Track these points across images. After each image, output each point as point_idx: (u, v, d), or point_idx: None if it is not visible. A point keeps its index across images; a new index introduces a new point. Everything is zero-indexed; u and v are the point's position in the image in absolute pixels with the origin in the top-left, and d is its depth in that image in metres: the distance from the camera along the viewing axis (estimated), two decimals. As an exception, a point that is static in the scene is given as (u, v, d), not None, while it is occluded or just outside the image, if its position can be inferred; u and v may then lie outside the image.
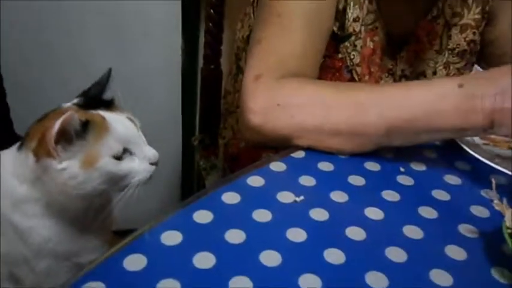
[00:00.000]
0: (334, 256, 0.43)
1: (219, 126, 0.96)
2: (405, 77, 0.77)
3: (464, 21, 0.73)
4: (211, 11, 1.04)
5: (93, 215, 0.50)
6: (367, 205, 0.50)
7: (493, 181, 0.49)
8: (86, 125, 0.44)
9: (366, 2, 0.68)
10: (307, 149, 0.58)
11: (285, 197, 0.50)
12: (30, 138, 0.47)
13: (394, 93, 0.55)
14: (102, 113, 0.47)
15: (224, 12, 1.03)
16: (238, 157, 0.84)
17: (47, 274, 0.49)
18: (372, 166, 0.56)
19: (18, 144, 0.49)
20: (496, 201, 0.49)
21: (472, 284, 0.42)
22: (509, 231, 0.43)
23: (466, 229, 0.48)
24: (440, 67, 0.76)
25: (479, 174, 0.56)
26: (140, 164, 0.47)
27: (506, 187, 0.54)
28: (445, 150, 0.60)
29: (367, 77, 0.72)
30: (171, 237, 0.43)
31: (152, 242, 0.43)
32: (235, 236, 0.44)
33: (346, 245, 0.45)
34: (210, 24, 1.06)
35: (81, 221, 0.49)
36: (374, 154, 0.57)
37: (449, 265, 0.43)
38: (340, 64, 0.70)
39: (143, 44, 1.12)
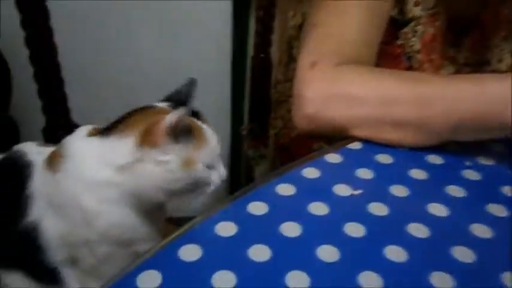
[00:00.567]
0: (395, 254, 0.41)
1: (268, 115, 0.94)
2: (468, 65, 0.72)
3: None
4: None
5: (158, 208, 0.51)
6: (430, 200, 0.47)
7: None
8: (190, 130, 0.46)
9: None
10: (364, 140, 0.56)
11: (342, 190, 0.48)
12: (126, 128, 0.47)
13: (463, 86, 0.51)
14: (199, 122, 0.49)
15: (275, 0, 1.01)
16: (288, 147, 0.82)
17: (105, 259, 0.49)
18: (435, 159, 0.53)
19: (98, 132, 0.49)
20: None
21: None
22: None
23: (540, 229, 0.44)
24: (507, 54, 0.71)
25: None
26: (216, 178, 0.49)
27: None
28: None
29: (427, 65, 0.68)
30: (226, 228, 0.42)
31: (207, 232, 0.42)
32: (291, 229, 0.43)
33: (408, 242, 0.42)
34: (261, 12, 1.05)
35: (149, 212, 0.49)
36: (437, 146, 0.54)
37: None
38: (399, 51, 0.67)
39: (193, 32, 1.12)
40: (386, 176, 0.51)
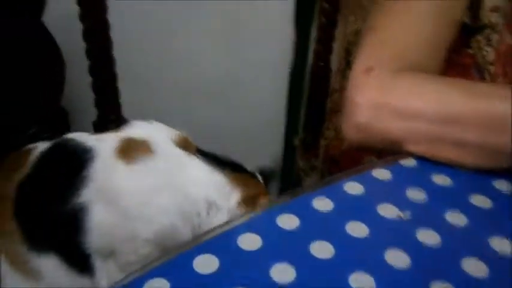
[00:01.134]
0: (444, 291, 0.35)
1: (323, 126, 0.89)
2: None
3: None
4: (326, 4, 0.98)
5: None
6: (493, 234, 0.40)
7: None
8: None
9: None
10: (419, 157, 0.49)
11: (387, 210, 0.42)
12: (232, 181, 0.50)
13: None
14: None
15: (339, 6, 0.96)
16: (338, 160, 0.76)
17: (144, 259, 0.47)
18: (503, 185, 0.46)
19: (189, 147, 0.51)
20: None
21: None
22: None
23: None
24: None
25: None
26: None
27: None
28: None
29: (500, 79, 0.60)
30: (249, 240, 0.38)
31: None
32: (321, 249, 0.38)
33: (461, 281, 0.36)
34: (323, 18, 1.00)
35: None
36: (505, 170, 0.46)
37: None
38: (469, 61, 0.60)
39: (252, 38, 1.09)
40: (441, 199, 0.44)
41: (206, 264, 0.36)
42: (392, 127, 0.49)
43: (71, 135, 0.52)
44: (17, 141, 0.72)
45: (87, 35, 0.79)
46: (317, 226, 0.40)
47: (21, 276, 0.50)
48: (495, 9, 0.57)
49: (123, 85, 0.86)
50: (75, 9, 0.74)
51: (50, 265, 0.48)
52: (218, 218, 0.47)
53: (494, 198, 0.44)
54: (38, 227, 0.48)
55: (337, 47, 0.95)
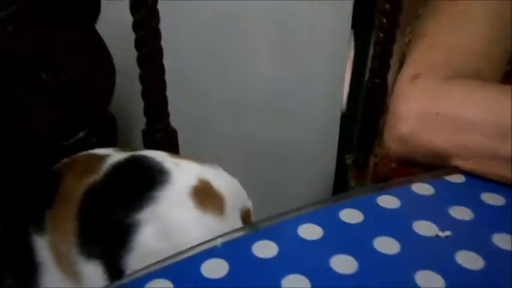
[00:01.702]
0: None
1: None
2: None
3: None
4: (384, 19, 0.94)
5: None
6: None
7: None
8: None
9: None
10: (470, 174, 0.44)
11: (424, 228, 0.38)
12: None
13: None
14: None
15: (398, 22, 0.92)
16: (387, 178, 0.71)
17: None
18: None
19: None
20: None
21: None
22: None
23: None
24: None
25: None
26: None
27: None
28: None
29: None
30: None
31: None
32: (344, 264, 0.34)
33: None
34: (381, 34, 0.96)
35: None
36: None
37: None
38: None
39: (306, 50, 1.07)
40: (490, 220, 0.39)
41: (215, 268, 0.34)
42: (438, 139, 0.45)
43: (149, 152, 0.52)
44: (66, 145, 0.75)
45: (139, 44, 0.80)
46: (341, 239, 0.37)
47: (62, 275, 0.50)
48: None
49: (173, 95, 0.87)
50: (128, 18, 0.76)
51: (93, 272, 0.48)
52: None
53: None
54: (94, 233, 0.48)
55: (393, 61, 0.91)
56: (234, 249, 0.36)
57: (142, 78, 0.83)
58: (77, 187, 0.50)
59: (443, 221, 0.38)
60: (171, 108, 0.88)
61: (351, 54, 1.10)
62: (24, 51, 0.65)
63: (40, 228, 0.51)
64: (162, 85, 0.86)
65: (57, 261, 0.50)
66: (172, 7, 0.90)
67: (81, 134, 0.76)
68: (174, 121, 0.88)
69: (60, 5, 0.65)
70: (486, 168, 0.43)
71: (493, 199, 0.41)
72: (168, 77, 0.84)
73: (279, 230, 0.38)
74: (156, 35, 0.80)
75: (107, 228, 0.48)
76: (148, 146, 0.88)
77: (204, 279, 0.33)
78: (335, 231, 0.38)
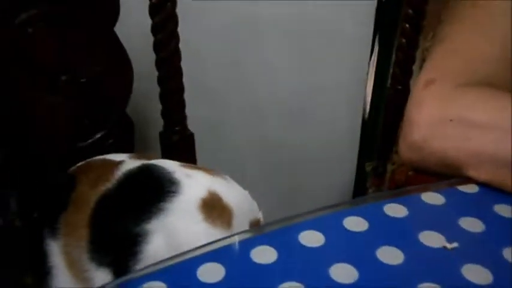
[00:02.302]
0: None
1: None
2: None
3: None
4: (407, 25, 0.92)
5: None
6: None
7: None
8: None
9: None
10: (483, 184, 0.42)
11: (431, 238, 0.36)
12: None
13: None
14: None
15: (421, 27, 0.90)
16: (404, 187, 0.69)
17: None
18: None
19: None
20: None
21: None
22: None
23: None
24: None
25: None
26: None
27: None
28: None
29: None
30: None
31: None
32: (344, 272, 0.33)
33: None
34: (404, 40, 0.94)
35: None
36: None
37: None
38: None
39: (328, 55, 1.06)
40: (502, 233, 0.37)
41: (211, 272, 0.33)
42: (450, 147, 0.43)
43: (161, 162, 0.52)
44: (83, 146, 0.76)
45: (157, 46, 0.81)
46: (343, 247, 0.36)
47: (73, 280, 0.51)
48: None
49: (191, 98, 0.87)
50: (147, 21, 0.76)
51: (103, 279, 0.49)
52: None
53: None
54: (105, 241, 0.49)
55: (415, 67, 0.89)
56: (231, 254, 0.35)
57: (161, 81, 0.84)
58: (90, 194, 0.51)
59: (452, 232, 0.37)
60: (189, 111, 0.88)
61: (374, 59, 1.08)
62: (43, 53, 0.66)
63: (54, 232, 0.52)
64: (180, 88, 0.86)
65: (68, 265, 0.51)
66: (191, 10, 0.91)
67: (98, 135, 0.78)
68: (192, 124, 0.88)
69: (79, 8, 0.67)
70: (499, 178, 0.41)
71: (506, 211, 0.39)
72: (186, 80, 0.85)
73: (280, 235, 0.37)
74: (175, 37, 0.80)
75: (117, 237, 0.48)
76: (165, 148, 0.89)
77: (199, 283, 0.33)
78: (337, 239, 0.37)
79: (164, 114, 0.87)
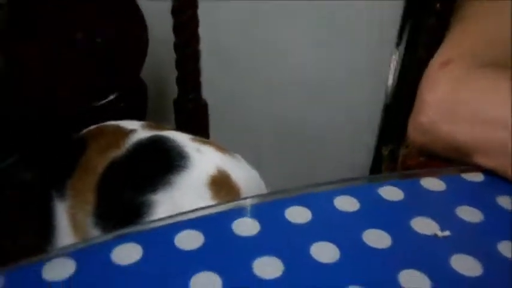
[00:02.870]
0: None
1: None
2: None
3: None
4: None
5: None
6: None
7: None
8: None
9: None
10: (490, 173, 0.40)
11: (423, 225, 0.34)
12: None
13: None
14: None
15: (452, 9, 0.85)
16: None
17: None
18: None
19: None
20: None
21: None
22: None
23: None
24: None
25: None
26: None
27: None
28: None
29: None
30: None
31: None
32: (323, 251, 0.32)
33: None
34: (434, 21, 0.90)
35: None
36: None
37: None
38: None
39: (352, 36, 1.02)
40: (500, 225, 0.35)
41: (189, 240, 0.33)
42: (459, 131, 0.41)
43: (173, 134, 0.52)
44: (96, 106, 0.76)
45: (175, 12, 0.80)
46: (328, 226, 0.34)
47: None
48: None
49: (207, 66, 0.86)
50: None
51: None
52: None
53: None
54: (109, 207, 0.49)
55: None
56: (212, 223, 0.34)
57: (177, 47, 0.83)
58: (99, 160, 0.51)
59: (447, 221, 0.35)
60: (204, 80, 0.87)
61: (400, 43, 1.04)
62: (61, 10, 0.66)
63: (61, 194, 0.52)
64: (196, 55, 0.85)
65: (73, 227, 0.51)
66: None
67: (111, 97, 0.78)
68: (207, 95, 0.87)
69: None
70: (508, 169, 0.38)
71: (509, 203, 0.37)
72: (203, 48, 0.83)
73: (266, 209, 0.36)
74: (193, 3, 0.79)
75: (122, 204, 0.48)
76: (178, 116, 0.88)
77: (175, 249, 0.32)
78: (325, 217, 0.35)
79: (179, 81, 0.86)
